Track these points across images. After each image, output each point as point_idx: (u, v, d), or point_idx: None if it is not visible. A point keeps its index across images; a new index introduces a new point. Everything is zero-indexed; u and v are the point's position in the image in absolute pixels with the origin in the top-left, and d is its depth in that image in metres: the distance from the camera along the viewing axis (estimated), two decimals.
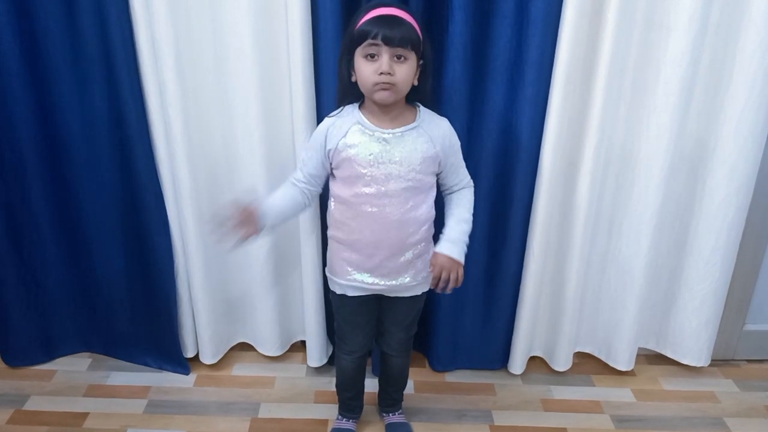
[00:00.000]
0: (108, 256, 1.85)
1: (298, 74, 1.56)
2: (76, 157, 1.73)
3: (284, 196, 1.44)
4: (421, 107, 1.39)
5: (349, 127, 1.34)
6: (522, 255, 1.80)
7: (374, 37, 1.23)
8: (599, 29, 1.52)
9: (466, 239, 1.42)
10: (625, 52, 1.58)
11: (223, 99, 1.67)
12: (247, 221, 1.34)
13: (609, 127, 1.65)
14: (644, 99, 1.64)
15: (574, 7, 1.46)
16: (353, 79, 1.32)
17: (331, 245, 1.47)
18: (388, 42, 1.23)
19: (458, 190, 1.46)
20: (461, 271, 1.39)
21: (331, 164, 1.38)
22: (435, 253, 1.40)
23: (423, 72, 1.34)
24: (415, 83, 1.33)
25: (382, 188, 1.33)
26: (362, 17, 1.27)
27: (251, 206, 1.35)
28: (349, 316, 1.53)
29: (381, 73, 1.24)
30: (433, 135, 1.36)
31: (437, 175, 1.42)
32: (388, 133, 1.33)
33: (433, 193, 1.43)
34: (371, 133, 1.33)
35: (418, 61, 1.30)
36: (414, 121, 1.36)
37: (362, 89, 1.31)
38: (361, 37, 1.25)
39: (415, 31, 1.27)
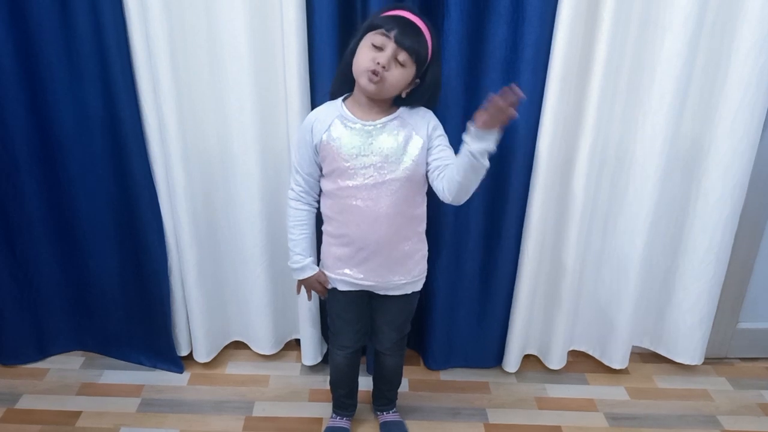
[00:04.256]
0: (101, 254, 1.84)
1: (293, 72, 1.56)
2: (69, 155, 1.72)
3: (309, 230, 1.47)
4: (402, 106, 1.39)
5: (332, 120, 1.35)
6: (517, 253, 1.80)
7: (389, 31, 1.24)
8: (595, 28, 1.52)
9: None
10: (621, 52, 1.58)
11: (218, 97, 1.66)
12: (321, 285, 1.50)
13: (604, 127, 1.65)
14: (639, 98, 1.64)
15: (569, 6, 1.46)
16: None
17: (324, 239, 1.48)
18: (398, 42, 1.24)
19: None
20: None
21: (318, 158, 1.39)
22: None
23: (417, 89, 1.34)
24: (402, 96, 1.34)
25: (366, 181, 1.34)
26: (389, 10, 1.29)
27: (321, 279, 1.49)
28: (341, 311, 1.53)
29: (377, 63, 1.25)
30: (415, 124, 1.36)
31: (429, 164, 1.37)
32: (370, 125, 1.34)
33: (424, 189, 1.42)
34: (353, 126, 1.34)
35: (415, 76, 1.31)
36: (395, 113, 1.36)
37: (354, 71, 1.31)
38: (377, 25, 1.26)
39: (427, 48, 1.29)
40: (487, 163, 1.24)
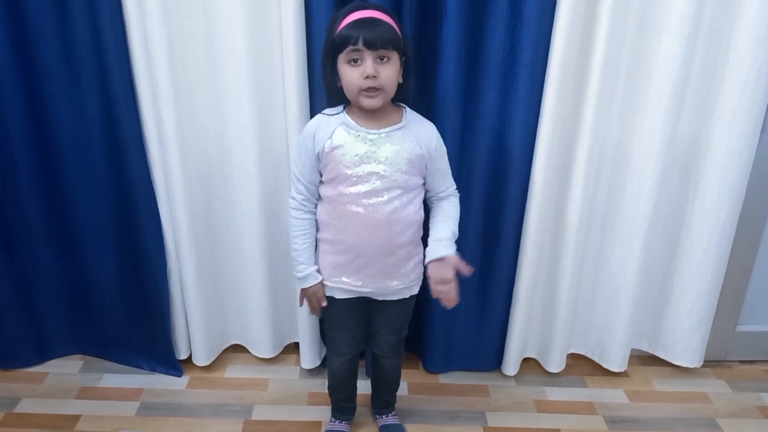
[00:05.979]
0: (100, 257, 1.84)
1: (292, 74, 1.56)
2: (68, 157, 1.72)
3: (311, 238, 1.45)
4: (407, 108, 1.39)
5: (335, 127, 1.33)
6: (515, 256, 1.80)
7: (355, 42, 1.22)
8: (592, 31, 1.52)
9: (454, 244, 1.42)
10: (618, 54, 1.59)
11: (217, 99, 1.67)
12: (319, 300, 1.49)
13: (602, 129, 1.65)
14: (637, 100, 1.64)
15: (567, 9, 1.47)
16: (339, 84, 1.31)
17: (319, 247, 1.47)
18: (369, 45, 1.22)
19: (445, 197, 1.46)
20: (453, 273, 1.37)
21: (320, 166, 1.38)
22: (430, 265, 1.39)
23: (405, 69, 1.33)
24: (400, 81, 1.32)
25: (368, 188, 1.33)
26: (341, 22, 1.26)
27: (319, 294, 1.47)
28: (338, 318, 1.52)
29: (366, 77, 1.24)
30: (420, 136, 1.36)
31: (423, 179, 1.40)
32: (374, 134, 1.32)
33: (421, 195, 1.42)
34: (357, 134, 1.32)
35: (400, 59, 1.30)
36: (401, 121, 1.35)
37: (348, 95, 1.30)
38: (342, 43, 1.24)
39: (395, 30, 1.27)
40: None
